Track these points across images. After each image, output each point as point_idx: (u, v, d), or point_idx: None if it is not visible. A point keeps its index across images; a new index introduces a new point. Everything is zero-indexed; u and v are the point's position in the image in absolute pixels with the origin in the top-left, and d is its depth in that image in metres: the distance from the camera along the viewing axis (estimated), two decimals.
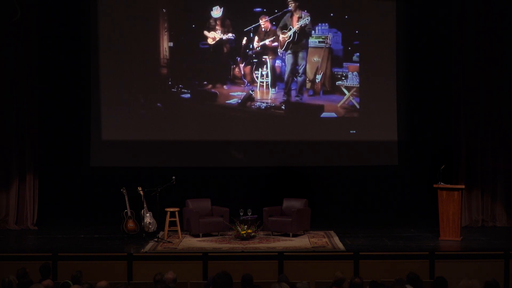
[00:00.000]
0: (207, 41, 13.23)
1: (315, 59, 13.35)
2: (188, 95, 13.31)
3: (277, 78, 13.32)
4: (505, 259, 9.85)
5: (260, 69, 13.29)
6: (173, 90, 13.32)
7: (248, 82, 13.29)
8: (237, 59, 13.28)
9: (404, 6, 13.33)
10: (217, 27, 13.22)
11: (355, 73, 13.32)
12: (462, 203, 11.43)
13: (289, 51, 13.30)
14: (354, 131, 13.39)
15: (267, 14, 13.23)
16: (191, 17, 13.28)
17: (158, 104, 13.32)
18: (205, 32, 13.20)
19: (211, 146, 13.38)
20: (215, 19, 13.22)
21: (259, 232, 11.65)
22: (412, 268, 8.46)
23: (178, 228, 11.51)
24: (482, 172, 12.81)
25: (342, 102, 13.28)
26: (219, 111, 13.30)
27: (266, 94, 13.32)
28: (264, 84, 13.30)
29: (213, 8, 13.21)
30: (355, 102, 13.29)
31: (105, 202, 13.19)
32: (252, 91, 13.26)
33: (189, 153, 13.37)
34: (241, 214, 11.54)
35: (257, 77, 13.28)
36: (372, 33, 13.33)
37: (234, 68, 13.29)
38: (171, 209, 11.52)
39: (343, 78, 13.32)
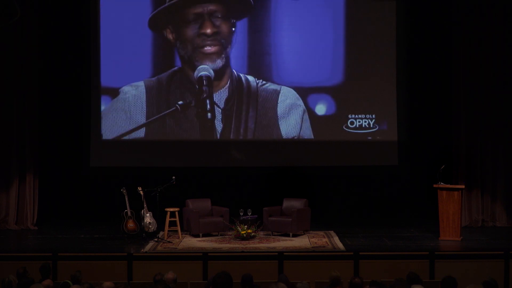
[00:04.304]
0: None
1: None
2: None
3: None
4: (505, 259, 9.85)
5: None
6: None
7: None
8: None
9: (404, 6, 13.33)
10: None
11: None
12: (462, 203, 11.43)
13: None
14: (354, 131, 13.39)
15: None
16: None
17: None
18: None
19: (211, 146, 13.38)
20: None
21: (259, 232, 11.65)
22: (412, 268, 8.48)
23: (178, 228, 11.51)
24: (482, 172, 12.80)
25: None
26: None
27: None
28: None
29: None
30: None
31: (105, 202, 13.20)
32: None
33: (189, 153, 13.37)
34: (241, 214, 11.54)
35: None
36: (372, 33, 13.33)
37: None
38: (171, 209, 11.52)
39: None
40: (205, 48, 13.15)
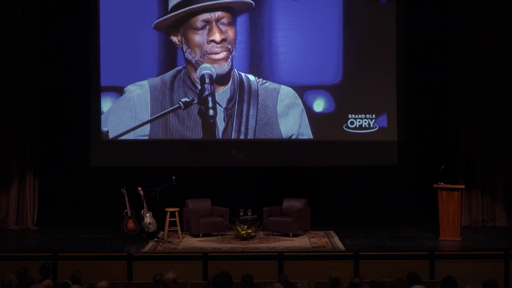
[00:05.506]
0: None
1: None
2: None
3: None
4: (505, 259, 9.86)
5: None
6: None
7: None
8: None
9: (404, 6, 13.33)
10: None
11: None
12: (462, 203, 11.43)
13: None
14: (354, 131, 13.39)
15: None
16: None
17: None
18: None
19: (211, 146, 13.38)
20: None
21: (259, 232, 11.65)
22: (412, 268, 8.47)
23: (178, 228, 11.51)
24: (482, 172, 12.81)
25: None
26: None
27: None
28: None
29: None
30: None
31: (105, 202, 13.20)
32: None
33: (189, 153, 13.37)
34: (241, 214, 11.54)
35: None
36: (372, 33, 13.34)
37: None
38: (171, 209, 11.52)
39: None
40: (214, 55, 13.19)
